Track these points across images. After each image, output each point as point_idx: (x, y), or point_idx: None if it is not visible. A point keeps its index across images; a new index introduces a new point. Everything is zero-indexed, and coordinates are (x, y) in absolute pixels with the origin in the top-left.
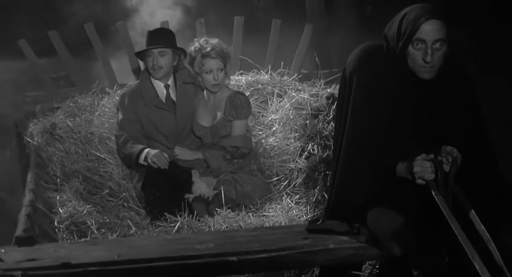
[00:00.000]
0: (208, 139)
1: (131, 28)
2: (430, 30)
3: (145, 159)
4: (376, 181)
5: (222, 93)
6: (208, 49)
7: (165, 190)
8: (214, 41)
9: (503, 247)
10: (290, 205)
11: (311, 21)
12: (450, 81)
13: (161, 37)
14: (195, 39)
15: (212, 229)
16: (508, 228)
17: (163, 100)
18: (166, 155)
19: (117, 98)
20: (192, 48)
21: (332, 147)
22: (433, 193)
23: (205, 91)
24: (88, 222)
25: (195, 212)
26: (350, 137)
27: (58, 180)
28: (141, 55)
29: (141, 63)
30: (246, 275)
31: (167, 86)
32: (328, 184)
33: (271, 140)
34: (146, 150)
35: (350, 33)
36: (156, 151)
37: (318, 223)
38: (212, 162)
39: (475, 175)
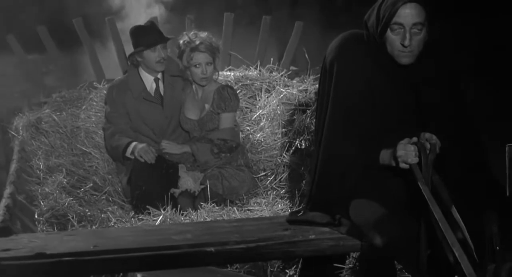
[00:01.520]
0: (196, 133)
1: (120, 24)
2: (408, 13)
3: (132, 152)
4: (358, 170)
5: (210, 86)
6: (197, 42)
7: (151, 184)
8: (204, 34)
9: (488, 238)
10: (275, 199)
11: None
12: (432, 67)
13: (159, 32)
14: (184, 32)
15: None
16: (493, 217)
17: (152, 93)
18: (153, 149)
19: (105, 92)
20: (181, 41)
21: (313, 137)
22: (416, 177)
23: (193, 85)
24: (69, 215)
25: (180, 206)
26: (330, 126)
27: (41, 174)
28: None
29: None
30: (230, 268)
31: (156, 80)
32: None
33: (258, 135)
34: (133, 143)
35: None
36: (143, 144)
37: (299, 215)
38: (199, 156)
39: (460, 163)
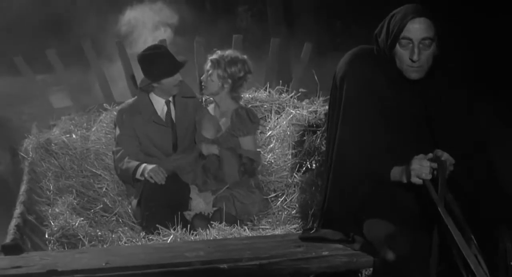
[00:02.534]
0: None
1: (128, 46)
2: (416, 28)
3: (142, 174)
4: (370, 185)
5: (226, 104)
6: (213, 56)
7: (161, 206)
8: (229, 53)
9: (501, 253)
10: (287, 219)
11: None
12: (442, 82)
13: (173, 56)
14: (215, 49)
15: None
16: (506, 233)
17: (163, 116)
18: (163, 170)
19: (115, 113)
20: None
21: (324, 157)
22: (430, 193)
23: (212, 105)
24: (79, 235)
25: (195, 228)
26: (341, 143)
27: (51, 195)
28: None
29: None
30: None
31: (168, 102)
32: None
33: (269, 156)
34: (143, 165)
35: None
36: (153, 166)
37: (311, 232)
38: (226, 163)
39: (472, 179)
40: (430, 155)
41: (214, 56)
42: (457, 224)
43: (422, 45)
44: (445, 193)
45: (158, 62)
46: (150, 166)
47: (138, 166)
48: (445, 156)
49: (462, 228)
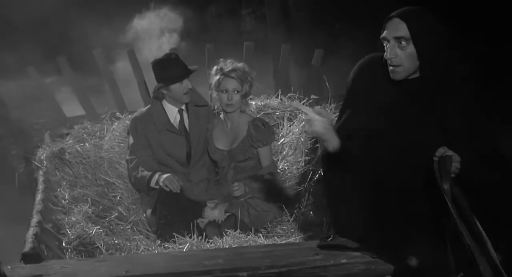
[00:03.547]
0: (224, 163)
1: (139, 54)
2: (389, 28)
3: (157, 182)
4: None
5: (240, 117)
6: (229, 69)
7: (176, 214)
8: (240, 64)
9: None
10: (302, 227)
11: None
12: (437, 83)
13: (183, 63)
14: (221, 59)
15: None
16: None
17: (176, 124)
18: (178, 178)
19: (128, 122)
20: (215, 67)
21: None
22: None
23: (222, 114)
24: (97, 243)
25: (207, 235)
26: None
27: (67, 203)
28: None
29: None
30: None
31: (181, 111)
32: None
33: (282, 164)
34: (158, 173)
35: None
36: (168, 174)
37: (329, 240)
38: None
39: (479, 176)
40: (441, 150)
41: (236, 73)
42: (464, 218)
43: (399, 45)
44: (451, 186)
45: (168, 68)
46: (165, 175)
47: (152, 175)
48: (449, 152)
49: (469, 221)
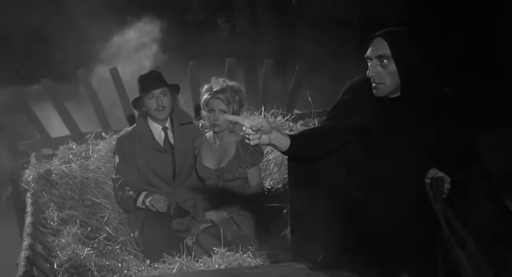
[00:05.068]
0: (212, 181)
1: (122, 74)
2: (371, 47)
3: (143, 202)
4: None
5: (229, 136)
6: (216, 89)
7: (163, 234)
8: (230, 83)
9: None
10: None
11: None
12: (419, 100)
13: (158, 78)
14: (213, 78)
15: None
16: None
17: (161, 143)
18: (164, 198)
19: (113, 142)
20: (205, 86)
21: None
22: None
23: (211, 132)
24: (88, 265)
25: (195, 254)
26: None
27: (56, 225)
28: (139, 100)
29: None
30: None
31: (165, 129)
32: None
33: (268, 181)
34: (144, 193)
35: None
36: (154, 194)
37: (319, 260)
38: (245, 227)
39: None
40: (432, 171)
41: (223, 94)
42: (458, 237)
43: (381, 63)
44: (443, 207)
45: (139, 83)
46: (151, 195)
47: (138, 195)
48: (439, 173)
49: (464, 241)
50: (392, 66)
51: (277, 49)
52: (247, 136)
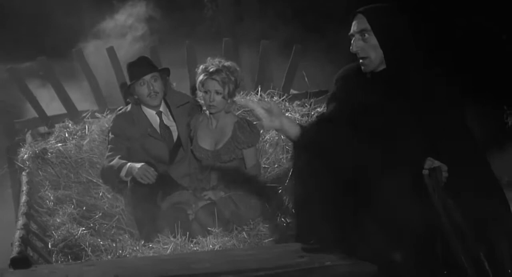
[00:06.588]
0: (208, 162)
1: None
2: (353, 24)
3: (128, 173)
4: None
5: (225, 117)
6: (212, 69)
7: (156, 211)
8: (226, 63)
9: (499, 260)
10: (285, 225)
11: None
12: (405, 71)
13: (148, 64)
14: (209, 58)
15: (206, 250)
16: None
17: (157, 127)
18: (152, 168)
19: (106, 125)
20: (201, 66)
21: None
22: (431, 198)
23: (207, 112)
24: (82, 245)
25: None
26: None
27: (51, 204)
28: (130, 88)
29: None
30: None
31: (159, 113)
32: None
33: (263, 161)
34: (129, 163)
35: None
36: (142, 164)
37: (312, 242)
38: (242, 206)
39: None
40: (428, 162)
41: (219, 74)
42: (459, 230)
43: (362, 38)
44: (443, 198)
45: (129, 70)
46: (138, 165)
47: (123, 165)
48: (436, 163)
49: (465, 234)
50: (373, 39)
51: (259, 28)
52: (259, 116)
